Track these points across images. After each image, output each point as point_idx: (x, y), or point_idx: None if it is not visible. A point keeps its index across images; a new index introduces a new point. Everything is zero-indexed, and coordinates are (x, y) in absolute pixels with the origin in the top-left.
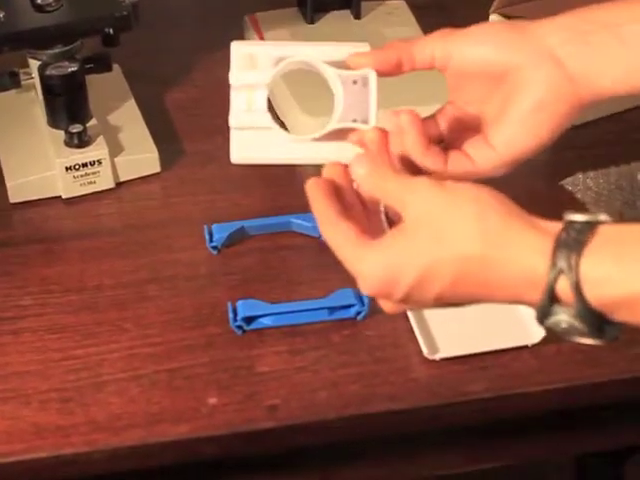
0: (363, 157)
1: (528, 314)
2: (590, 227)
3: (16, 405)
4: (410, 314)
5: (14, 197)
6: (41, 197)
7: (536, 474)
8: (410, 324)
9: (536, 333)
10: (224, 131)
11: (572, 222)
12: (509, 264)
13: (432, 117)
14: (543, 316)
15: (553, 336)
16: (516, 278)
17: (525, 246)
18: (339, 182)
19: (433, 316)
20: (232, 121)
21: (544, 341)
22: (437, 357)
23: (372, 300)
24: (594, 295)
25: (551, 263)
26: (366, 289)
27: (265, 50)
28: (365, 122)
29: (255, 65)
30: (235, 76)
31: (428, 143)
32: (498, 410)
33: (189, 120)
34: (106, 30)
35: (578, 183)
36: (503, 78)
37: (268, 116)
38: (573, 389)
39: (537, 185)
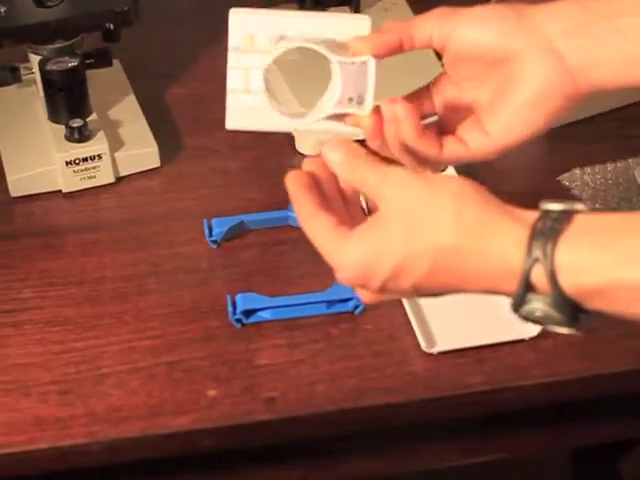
0: (337, 144)
1: None
2: (566, 216)
3: (16, 397)
4: (408, 308)
5: (15, 191)
6: (41, 191)
7: (533, 471)
8: (408, 318)
9: (533, 327)
10: (224, 126)
11: (549, 211)
12: (485, 254)
13: (427, 88)
14: (518, 305)
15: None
16: (492, 268)
17: (501, 236)
18: (319, 175)
19: (431, 310)
20: (229, 102)
21: (541, 335)
22: (434, 351)
23: None
24: (569, 284)
25: (527, 251)
26: (343, 279)
27: (264, 26)
28: (361, 100)
29: (254, 41)
30: (233, 57)
31: (423, 129)
32: (495, 403)
33: (189, 115)
34: (107, 25)
35: (575, 179)
36: (500, 63)
37: (265, 96)
38: (570, 382)
39: (534, 181)
